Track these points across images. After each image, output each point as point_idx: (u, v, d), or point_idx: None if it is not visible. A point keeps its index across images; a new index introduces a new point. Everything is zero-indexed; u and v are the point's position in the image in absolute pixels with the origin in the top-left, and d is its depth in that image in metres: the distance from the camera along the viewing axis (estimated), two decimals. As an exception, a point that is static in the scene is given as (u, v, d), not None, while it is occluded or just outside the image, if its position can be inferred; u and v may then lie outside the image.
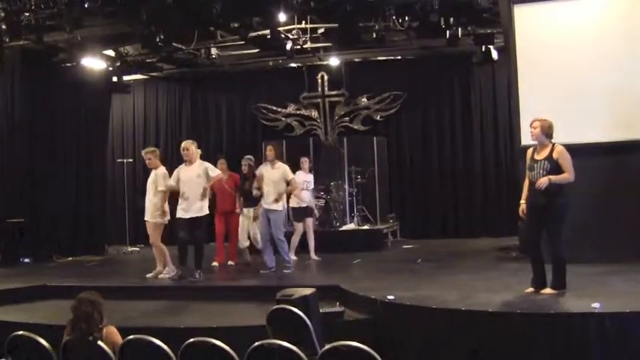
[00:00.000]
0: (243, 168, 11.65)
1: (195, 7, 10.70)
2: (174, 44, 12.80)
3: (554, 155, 7.44)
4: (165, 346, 4.83)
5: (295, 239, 12.01)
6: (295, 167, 11.99)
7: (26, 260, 13.04)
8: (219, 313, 8.52)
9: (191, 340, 4.85)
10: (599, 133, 9.83)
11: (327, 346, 4.61)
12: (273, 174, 10.63)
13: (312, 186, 12.57)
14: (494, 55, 13.04)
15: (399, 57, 15.23)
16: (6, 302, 9.33)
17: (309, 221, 12.14)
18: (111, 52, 13.96)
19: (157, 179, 10.52)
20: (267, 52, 13.77)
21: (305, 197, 11.85)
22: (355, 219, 14.17)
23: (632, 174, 9.85)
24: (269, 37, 11.84)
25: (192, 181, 10.12)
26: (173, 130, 17.00)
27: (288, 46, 12.41)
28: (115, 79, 14.83)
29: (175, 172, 10.35)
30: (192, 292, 9.77)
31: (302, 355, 4.56)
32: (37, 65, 13.53)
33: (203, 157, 10.75)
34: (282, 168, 10.74)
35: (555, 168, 7.42)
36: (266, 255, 10.70)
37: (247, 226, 11.57)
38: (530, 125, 7.69)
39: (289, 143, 15.05)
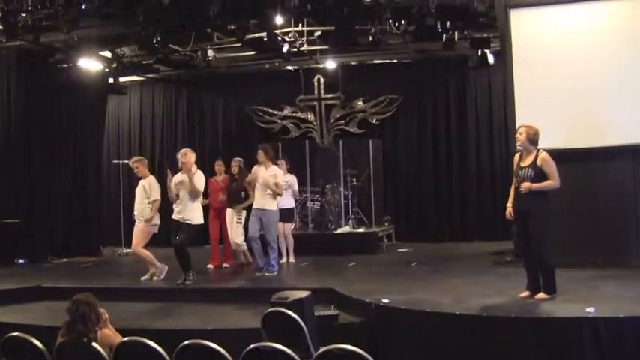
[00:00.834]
0: (232, 169, 11.67)
1: (191, 9, 10.70)
2: (170, 46, 12.82)
3: (538, 162, 7.46)
4: (160, 348, 4.85)
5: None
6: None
7: (21, 261, 13.04)
8: (214, 316, 8.52)
9: (186, 342, 4.86)
10: (595, 137, 9.84)
11: (322, 349, 4.63)
12: (267, 176, 10.65)
13: (294, 187, 12.49)
14: (491, 59, 13.06)
15: (396, 60, 15.25)
16: (1, 303, 9.31)
17: (288, 226, 12.13)
18: (107, 54, 13.95)
19: (151, 188, 10.57)
20: (263, 54, 13.76)
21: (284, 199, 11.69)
22: (350, 222, 14.19)
23: (623, 179, 9.88)
24: (266, 39, 11.85)
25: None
26: (169, 132, 17.00)
27: (285, 48, 12.43)
28: (111, 80, 14.81)
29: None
30: (187, 294, 9.76)
31: (296, 357, 4.58)
32: (34, 66, 13.55)
33: (199, 159, 10.75)
34: (276, 172, 10.80)
35: (539, 175, 7.43)
36: (256, 256, 10.82)
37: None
38: (516, 131, 7.73)
39: (285, 145, 15.08)
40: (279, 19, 11.10)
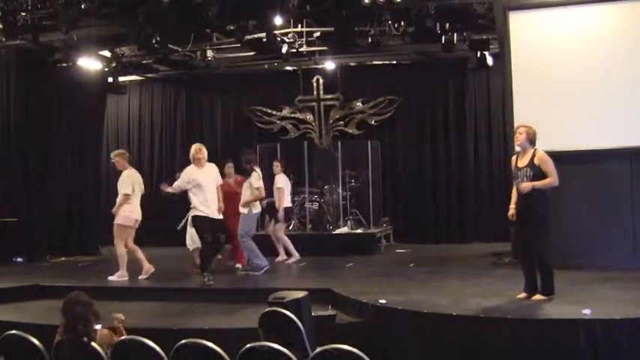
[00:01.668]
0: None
1: (191, 9, 10.72)
2: (170, 46, 12.82)
3: (536, 161, 7.47)
4: (157, 348, 4.85)
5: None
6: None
7: (19, 260, 13.04)
8: (212, 315, 8.54)
9: (183, 341, 4.87)
10: (593, 139, 9.85)
11: (319, 349, 4.64)
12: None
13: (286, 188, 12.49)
14: (489, 61, 13.10)
15: (395, 62, 15.26)
16: (-1, 302, 9.34)
17: (277, 226, 12.20)
18: (107, 53, 13.94)
19: (121, 181, 10.69)
20: (262, 54, 13.77)
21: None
22: (348, 223, 14.19)
23: (621, 182, 9.90)
24: (265, 40, 11.87)
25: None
26: (168, 132, 17.01)
27: (284, 49, 12.44)
28: (110, 79, 14.81)
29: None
30: (185, 293, 9.78)
31: (293, 357, 4.59)
32: (33, 65, 13.54)
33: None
34: (252, 176, 11.00)
35: (538, 174, 7.44)
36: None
37: None
38: (516, 131, 7.74)
39: (284, 146, 15.09)
40: (278, 20, 11.10)
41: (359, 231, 14.05)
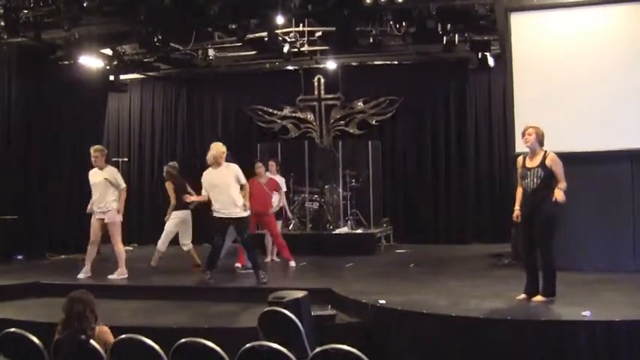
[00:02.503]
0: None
1: (193, 8, 10.72)
2: (171, 44, 12.83)
3: (548, 163, 7.48)
4: (156, 346, 4.85)
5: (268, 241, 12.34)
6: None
7: (19, 257, 13.03)
8: (211, 314, 8.53)
9: (182, 340, 4.87)
10: (594, 141, 9.85)
11: (318, 349, 4.64)
12: None
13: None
14: (491, 61, 13.11)
15: (396, 62, 15.26)
16: (-2, 299, 9.33)
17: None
18: (108, 51, 13.94)
19: (118, 176, 10.76)
20: (264, 54, 13.77)
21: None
22: (349, 223, 14.18)
23: (622, 183, 9.91)
24: (266, 39, 11.88)
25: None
26: (169, 130, 17.00)
27: (286, 48, 12.46)
28: (111, 78, 14.82)
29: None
30: (185, 292, 9.78)
31: (292, 357, 4.59)
32: (35, 62, 13.54)
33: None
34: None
35: (548, 175, 7.46)
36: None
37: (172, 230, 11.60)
38: (524, 132, 7.71)
39: (284, 145, 15.09)
40: (280, 19, 11.11)
41: (359, 231, 14.05)
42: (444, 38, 11.80)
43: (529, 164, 7.60)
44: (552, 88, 10.08)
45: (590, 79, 9.96)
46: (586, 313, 6.66)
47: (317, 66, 15.32)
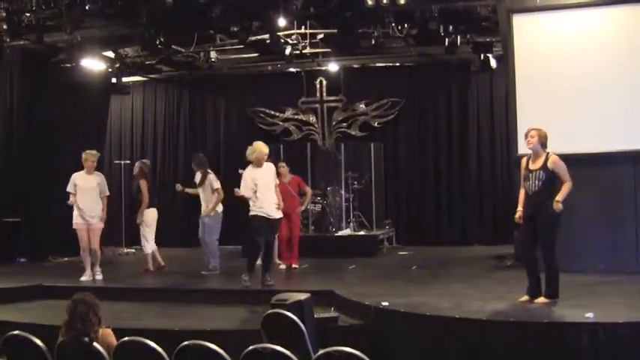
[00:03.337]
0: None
1: (195, 10, 10.73)
2: (173, 47, 12.84)
3: (549, 165, 7.49)
4: (159, 349, 4.86)
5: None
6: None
7: (22, 260, 13.04)
8: (214, 317, 8.53)
9: (185, 342, 4.87)
10: (596, 143, 9.85)
11: (321, 352, 4.64)
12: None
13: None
14: (493, 63, 13.12)
15: (398, 64, 15.26)
16: (1, 301, 9.33)
17: None
18: (110, 54, 13.97)
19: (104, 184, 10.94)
20: (266, 56, 13.80)
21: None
22: (351, 225, 14.18)
23: (624, 185, 9.90)
24: (268, 41, 11.88)
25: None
26: (171, 133, 17.00)
27: (287, 50, 12.46)
28: (114, 80, 14.84)
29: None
30: (187, 294, 9.78)
31: (295, 359, 4.59)
32: (37, 65, 13.56)
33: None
34: (209, 179, 11.28)
35: (551, 177, 7.47)
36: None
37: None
38: (527, 134, 7.73)
39: (286, 148, 15.09)
40: (282, 22, 11.11)
41: (361, 233, 14.05)
42: (446, 40, 11.80)
43: (531, 166, 7.61)
44: (554, 89, 10.08)
45: (592, 80, 9.95)
46: (589, 315, 6.65)
47: (319, 68, 15.33)
